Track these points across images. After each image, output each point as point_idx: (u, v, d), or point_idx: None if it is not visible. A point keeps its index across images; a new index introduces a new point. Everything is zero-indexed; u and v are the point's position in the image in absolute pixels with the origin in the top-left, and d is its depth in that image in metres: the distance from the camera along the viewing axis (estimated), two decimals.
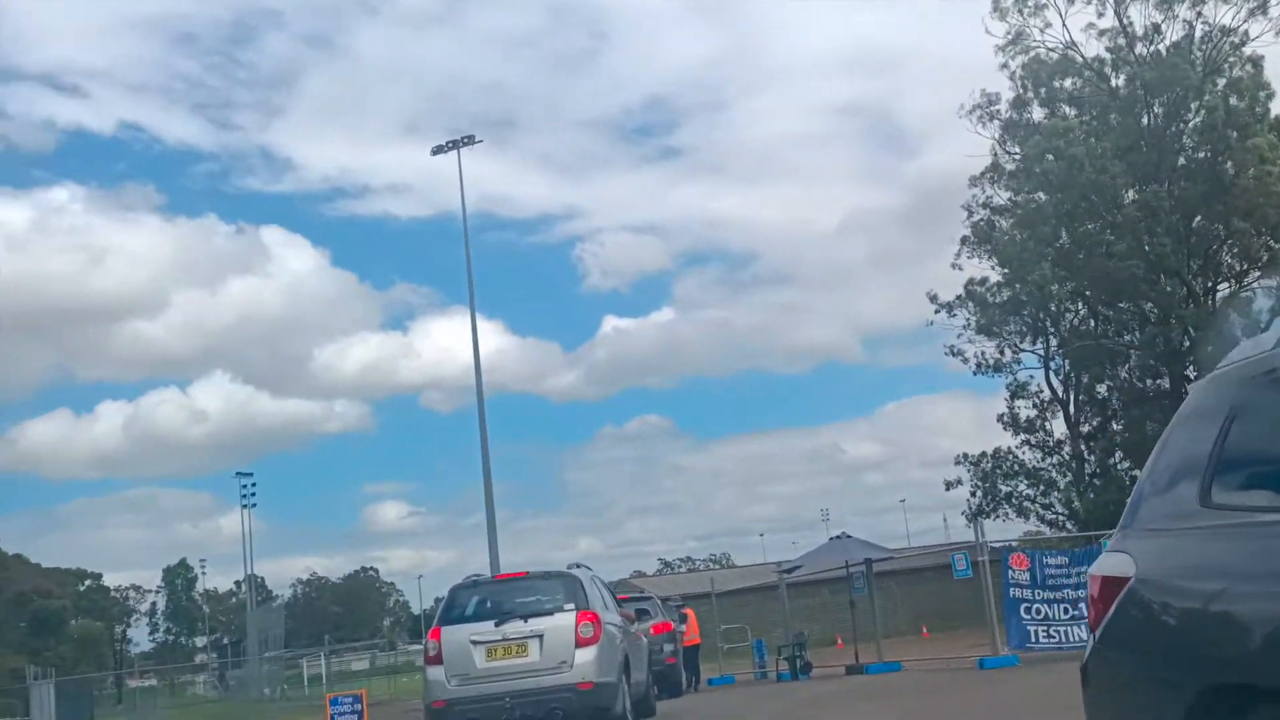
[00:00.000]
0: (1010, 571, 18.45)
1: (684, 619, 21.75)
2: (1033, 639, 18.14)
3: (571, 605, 11.70)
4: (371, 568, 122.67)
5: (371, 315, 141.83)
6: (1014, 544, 22.86)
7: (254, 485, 72.07)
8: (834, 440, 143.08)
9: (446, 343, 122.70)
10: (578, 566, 12.75)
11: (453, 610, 11.96)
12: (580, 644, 11.44)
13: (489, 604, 11.91)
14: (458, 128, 40.80)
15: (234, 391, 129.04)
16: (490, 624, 11.53)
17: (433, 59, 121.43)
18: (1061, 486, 41.74)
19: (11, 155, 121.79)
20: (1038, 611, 18.25)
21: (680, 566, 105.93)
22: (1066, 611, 18.26)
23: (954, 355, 39.50)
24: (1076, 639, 18.11)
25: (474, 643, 11.43)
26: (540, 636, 11.44)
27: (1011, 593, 18.35)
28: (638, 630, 14.88)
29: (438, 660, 11.51)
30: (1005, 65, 35.35)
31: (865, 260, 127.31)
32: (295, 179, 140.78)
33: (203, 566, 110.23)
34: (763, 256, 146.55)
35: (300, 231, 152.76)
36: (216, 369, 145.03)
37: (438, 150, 38.71)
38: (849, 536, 21.41)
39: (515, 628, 11.48)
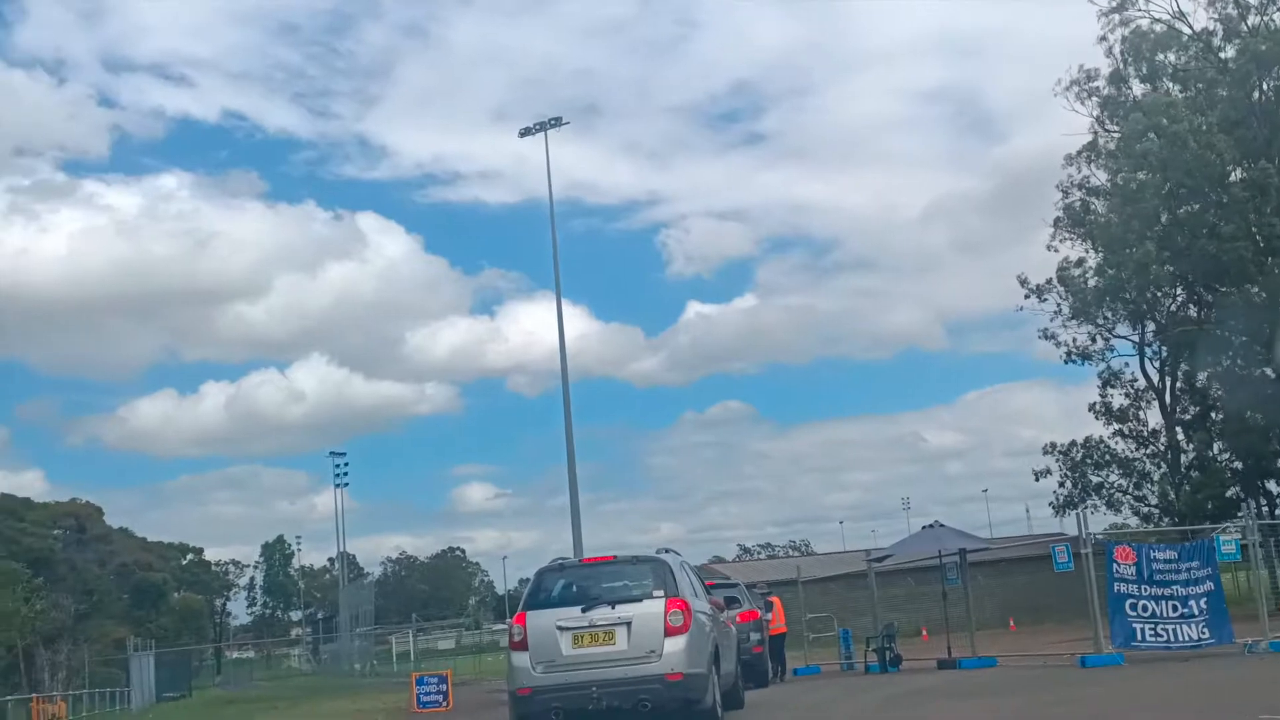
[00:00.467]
0: (1115, 565, 17.34)
1: (769, 607, 21.02)
2: (1138, 637, 17.05)
3: (661, 592, 11.11)
4: (458, 548, 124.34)
5: (462, 300, 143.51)
6: (1098, 535, 21.57)
7: (346, 464, 73.20)
8: (915, 428, 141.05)
9: (532, 327, 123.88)
10: (666, 551, 12.14)
11: (538, 594, 11.45)
12: (670, 633, 10.85)
13: (575, 589, 11.37)
14: (546, 115, 41.01)
15: (330, 373, 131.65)
16: (577, 609, 10.99)
17: (523, 46, 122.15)
18: (1156, 478, 40.04)
19: (125, 143, 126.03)
20: (1144, 608, 17.14)
21: (759, 553, 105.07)
22: (1175, 609, 17.14)
23: (1047, 338, 38.08)
24: (1186, 639, 17.00)
25: (560, 629, 10.91)
26: (628, 624, 10.88)
27: (1116, 588, 17.25)
28: (727, 619, 14.22)
29: (523, 646, 11.00)
30: (1104, 39, 33.80)
31: (950, 246, 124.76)
32: (390, 166, 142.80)
33: (298, 543, 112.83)
34: (846, 242, 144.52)
35: (394, 218, 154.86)
36: (314, 351, 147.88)
37: (525, 132, 38.53)
38: (942, 525, 20.45)
39: (603, 614, 10.93)
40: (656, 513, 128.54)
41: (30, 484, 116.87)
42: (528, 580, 12.60)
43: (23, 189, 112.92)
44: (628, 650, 10.77)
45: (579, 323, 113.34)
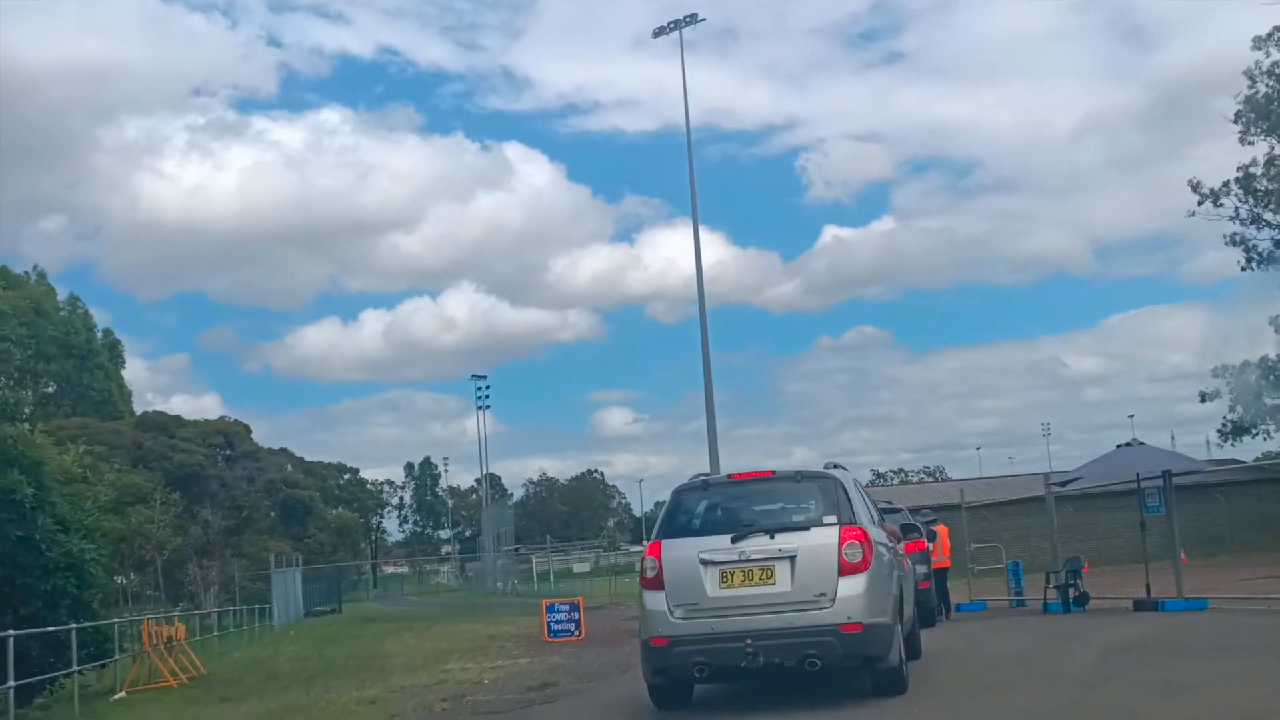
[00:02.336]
0: None
1: (933, 536, 17.92)
2: None
3: (833, 518, 8.27)
4: (597, 470, 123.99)
5: (603, 227, 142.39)
6: None
7: (488, 387, 73.01)
8: (1055, 354, 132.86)
9: (671, 254, 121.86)
10: (836, 466, 9.22)
11: (676, 518, 8.72)
12: (845, 571, 8.04)
13: (722, 512, 8.62)
14: (684, 40, 38.14)
15: (479, 301, 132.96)
16: (725, 539, 8.26)
17: None
18: None
19: (291, 81, 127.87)
20: None
21: (893, 479, 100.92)
22: None
23: (1235, 243, 33.40)
24: None
25: (704, 563, 8.19)
26: (791, 558, 8.10)
27: None
28: (903, 551, 11.26)
29: (657, 584, 8.33)
30: None
31: (1100, 164, 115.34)
32: (533, 97, 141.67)
33: (444, 464, 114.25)
34: (987, 163, 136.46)
35: (538, 148, 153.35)
36: (463, 279, 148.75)
37: (659, 32, 35.81)
38: (1141, 444, 16.90)
39: (758, 545, 8.17)
40: (789, 438, 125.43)
41: (209, 407, 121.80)
42: (664, 504, 9.89)
43: (199, 127, 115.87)
44: (791, 592, 8.04)
45: (716, 248, 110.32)
